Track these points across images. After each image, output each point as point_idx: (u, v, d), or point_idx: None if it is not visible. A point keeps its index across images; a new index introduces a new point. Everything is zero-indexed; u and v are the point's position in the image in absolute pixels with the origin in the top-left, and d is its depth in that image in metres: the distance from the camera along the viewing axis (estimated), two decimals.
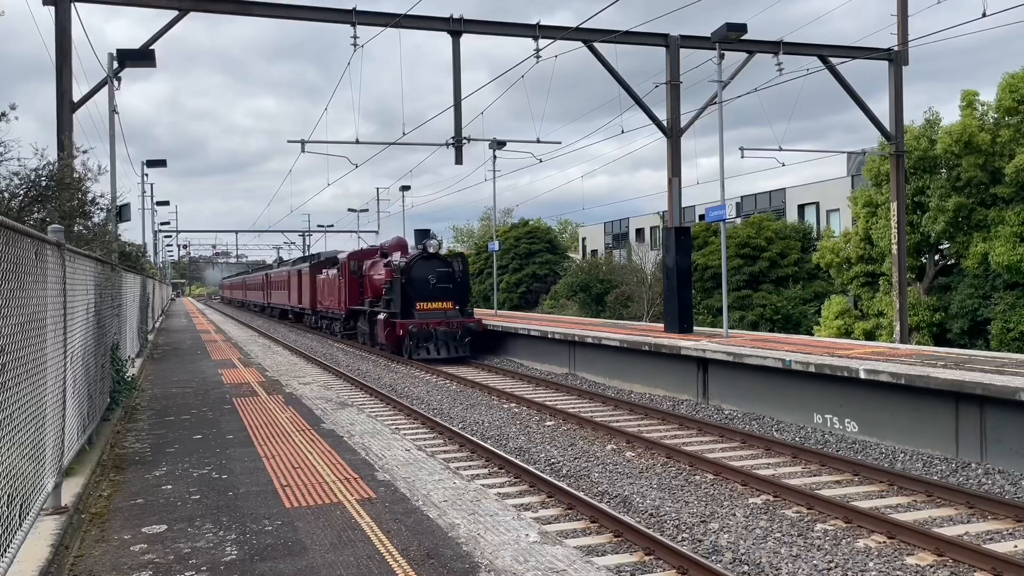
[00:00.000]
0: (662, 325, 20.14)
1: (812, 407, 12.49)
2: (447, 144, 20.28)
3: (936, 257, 26.39)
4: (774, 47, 20.12)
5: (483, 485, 8.25)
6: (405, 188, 50.68)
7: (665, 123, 19.97)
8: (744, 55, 20.20)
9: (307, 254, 46.84)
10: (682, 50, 19.87)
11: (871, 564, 6.54)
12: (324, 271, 34.35)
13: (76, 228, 12.68)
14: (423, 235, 25.62)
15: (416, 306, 23.29)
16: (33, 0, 19.40)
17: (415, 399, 15.90)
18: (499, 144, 27.67)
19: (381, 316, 24.57)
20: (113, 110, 18.69)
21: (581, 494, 8.45)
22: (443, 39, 20.77)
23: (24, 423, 4.66)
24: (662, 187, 21.12)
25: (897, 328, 22.32)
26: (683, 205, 20.76)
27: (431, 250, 24.49)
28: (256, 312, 61.38)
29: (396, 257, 26.46)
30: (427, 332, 22.48)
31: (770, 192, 42.30)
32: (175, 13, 16.80)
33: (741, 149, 20.50)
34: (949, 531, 7.33)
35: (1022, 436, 9.48)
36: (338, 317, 31.45)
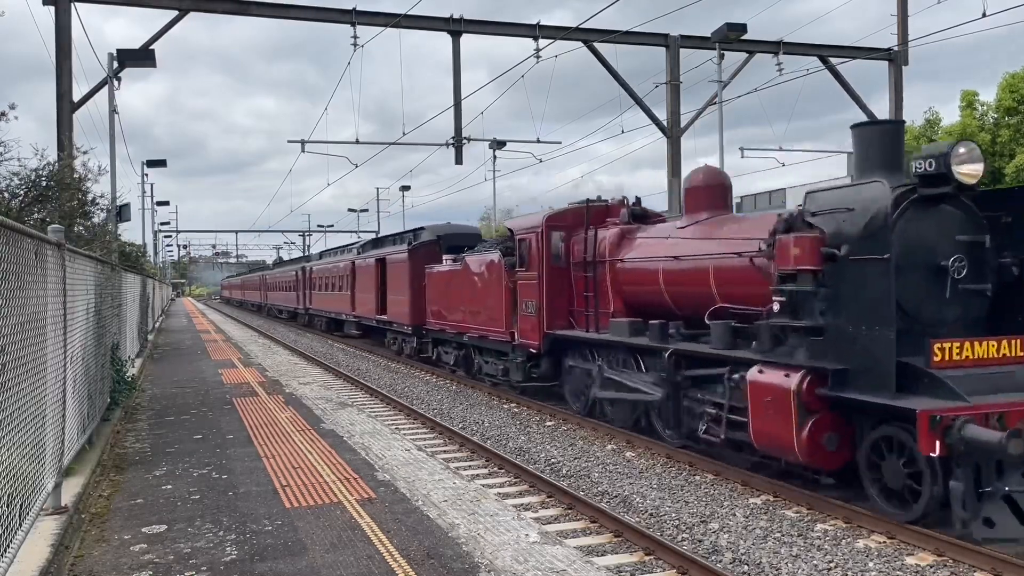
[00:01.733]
0: None
1: None
2: (447, 144, 20.32)
3: None
4: (774, 47, 20.16)
5: (483, 485, 8.25)
6: (405, 188, 50.94)
7: (665, 123, 19.99)
8: (744, 55, 20.24)
9: (397, 231, 26.53)
10: (682, 50, 19.90)
11: (871, 564, 6.54)
12: (447, 260, 18.63)
13: (76, 228, 12.70)
14: (891, 136, 7.99)
15: (933, 351, 6.80)
16: (33, 0, 19.40)
17: (415, 399, 15.89)
18: (499, 144, 27.73)
19: (788, 379, 7.53)
20: (113, 110, 18.71)
21: (581, 494, 8.45)
22: (443, 39, 20.75)
23: (24, 423, 4.66)
24: (662, 187, 21.16)
25: None
26: None
27: (964, 176, 7.04)
28: (285, 321, 45.73)
29: (757, 224, 9.25)
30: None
31: (770, 192, 42.30)
32: (175, 13, 16.85)
33: (741, 149, 20.68)
34: (949, 531, 7.32)
35: None
36: (502, 349, 15.27)
